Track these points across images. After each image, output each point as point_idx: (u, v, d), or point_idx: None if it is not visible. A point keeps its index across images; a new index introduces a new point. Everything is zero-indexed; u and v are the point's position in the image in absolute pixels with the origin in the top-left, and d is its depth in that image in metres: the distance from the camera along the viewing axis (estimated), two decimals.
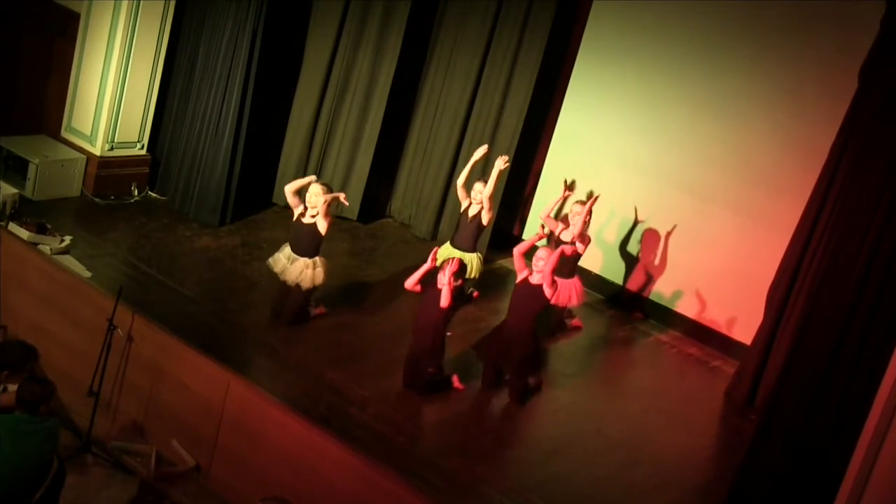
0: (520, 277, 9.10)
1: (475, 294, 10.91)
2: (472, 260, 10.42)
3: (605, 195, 11.65)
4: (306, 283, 9.44)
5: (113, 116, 11.13)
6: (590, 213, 10.25)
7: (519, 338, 9.00)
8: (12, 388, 7.21)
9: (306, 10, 11.73)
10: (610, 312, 11.46)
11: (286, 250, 9.51)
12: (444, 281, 8.72)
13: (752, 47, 10.73)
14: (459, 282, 8.83)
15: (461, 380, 9.14)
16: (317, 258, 9.49)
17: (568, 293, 10.36)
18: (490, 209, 10.34)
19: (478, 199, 10.31)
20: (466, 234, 10.44)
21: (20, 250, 9.12)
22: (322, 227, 9.37)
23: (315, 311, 9.73)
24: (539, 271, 8.90)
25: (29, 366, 7.96)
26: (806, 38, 10.41)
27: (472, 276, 10.51)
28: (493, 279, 11.30)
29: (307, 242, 9.43)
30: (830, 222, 8.99)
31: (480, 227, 10.42)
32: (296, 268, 9.41)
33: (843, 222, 8.12)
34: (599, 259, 11.74)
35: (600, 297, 11.65)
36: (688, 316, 11.25)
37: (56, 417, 6.97)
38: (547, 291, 8.88)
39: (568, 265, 10.21)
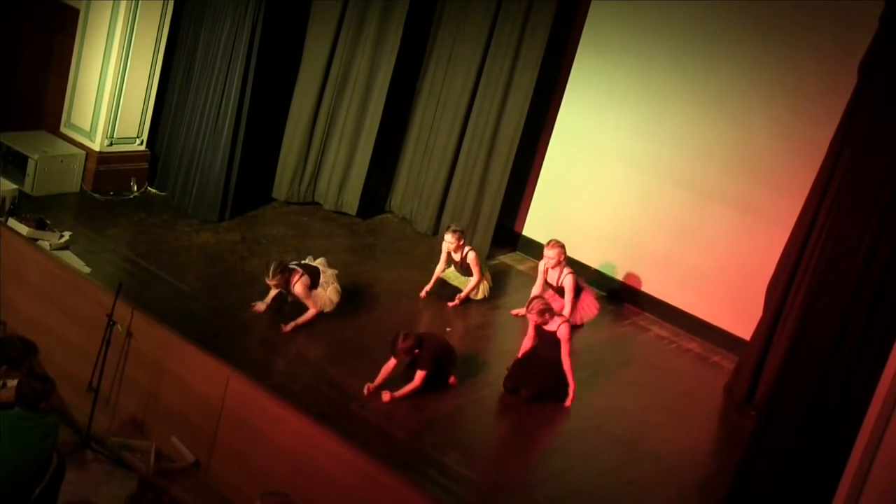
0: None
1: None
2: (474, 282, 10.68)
3: (605, 191, 11.70)
4: (328, 308, 9.58)
5: (112, 112, 11.13)
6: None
7: (558, 374, 9.16)
8: (12, 384, 7.23)
9: (306, 3, 11.72)
10: (610, 308, 11.45)
11: None
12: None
13: (751, 44, 10.72)
14: (414, 353, 8.72)
15: (456, 376, 9.14)
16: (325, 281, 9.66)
17: (580, 312, 10.52)
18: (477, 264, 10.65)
19: (453, 247, 10.50)
20: (465, 265, 10.68)
21: (20, 246, 9.12)
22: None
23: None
24: (551, 319, 9.08)
25: (28, 361, 7.98)
26: (805, 34, 10.40)
27: (479, 297, 10.77)
28: (494, 276, 11.29)
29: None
30: (830, 218, 8.98)
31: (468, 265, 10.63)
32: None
33: (843, 217, 8.13)
34: (599, 255, 11.74)
35: (600, 293, 11.63)
36: (687, 311, 11.24)
37: (56, 414, 6.98)
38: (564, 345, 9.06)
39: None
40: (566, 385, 9.16)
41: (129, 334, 8.18)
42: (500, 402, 9.13)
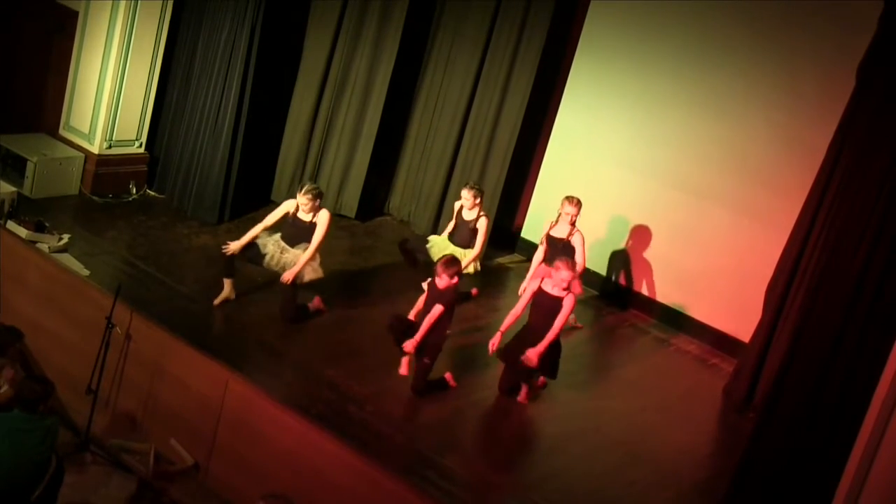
0: (534, 285, 9.03)
1: (474, 292, 10.92)
2: (468, 255, 10.42)
3: (603, 194, 11.71)
4: (309, 275, 9.44)
5: (111, 114, 11.13)
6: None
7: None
8: (8, 375, 7.30)
9: (305, 5, 11.73)
10: (608, 310, 11.46)
11: (275, 236, 9.50)
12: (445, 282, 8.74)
13: (749, 46, 10.74)
14: (455, 280, 8.80)
15: (455, 377, 9.15)
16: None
17: None
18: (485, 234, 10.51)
19: (468, 205, 10.42)
20: (464, 233, 10.50)
21: (19, 249, 9.12)
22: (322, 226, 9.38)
23: (312, 305, 9.74)
24: (563, 288, 8.84)
25: (16, 347, 8.03)
26: (804, 36, 10.42)
27: (471, 271, 10.53)
28: (493, 277, 11.30)
29: (305, 235, 9.42)
30: (828, 220, 8.99)
31: (476, 231, 10.46)
32: (289, 257, 9.42)
33: (841, 220, 8.13)
34: (598, 257, 11.74)
35: (598, 294, 11.67)
36: (686, 313, 11.25)
37: (55, 416, 6.98)
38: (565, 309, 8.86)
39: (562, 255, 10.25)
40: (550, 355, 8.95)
41: (128, 336, 8.18)
42: (499, 403, 9.12)
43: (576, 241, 10.25)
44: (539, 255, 10.49)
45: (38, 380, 6.92)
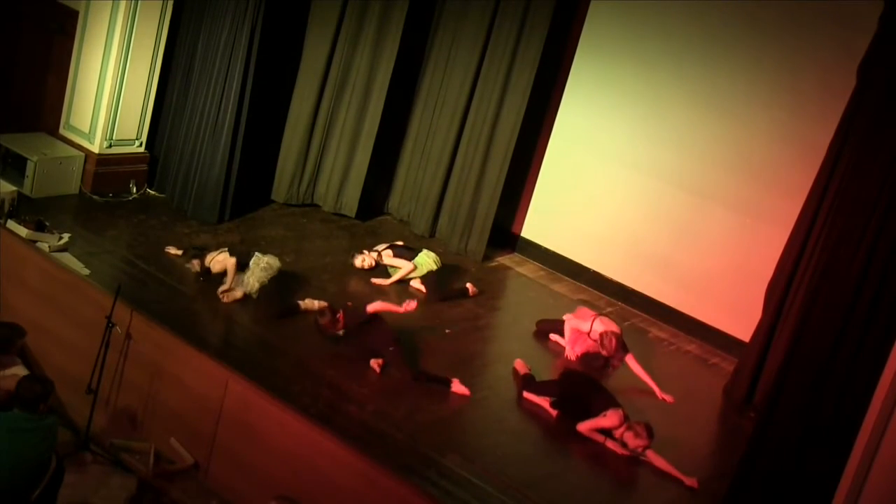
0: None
1: (471, 290, 10.89)
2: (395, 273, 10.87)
3: (604, 193, 11.70)
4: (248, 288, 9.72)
5: (111, 114, 11.12)
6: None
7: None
8: (11, 372, 7.29)
9: (305, 5, 11.72)
10: (608, 310, 11.44)
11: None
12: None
13: (751, 45, 10.73)
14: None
15: (463, 382, 9.13)
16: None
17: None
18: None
19: (367, 264, 10.90)
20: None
21: (19, 248, 9.12)
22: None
23: (304, 305, 9.78)
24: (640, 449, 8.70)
25: (18, 343, 8.03)
26: (805, 35, 10.42)
27: (434, 268, 10.86)
28: (493, 277, 11.29)
29: None
30: (829, 219, 8.99)
31: None
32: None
33: (842, 219, 8.12)
34: (598, 256, 11.75)
35: (599, 294, 11.67)
36: (686, 313, 11.25)
37: (55, 415, 6.98)
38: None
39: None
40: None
41: (128, 336, 8.18)
42: (499, 403, 9.12)
43: (631, 362, 9.96)
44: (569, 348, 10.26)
45: (38, 379, 6.91)
